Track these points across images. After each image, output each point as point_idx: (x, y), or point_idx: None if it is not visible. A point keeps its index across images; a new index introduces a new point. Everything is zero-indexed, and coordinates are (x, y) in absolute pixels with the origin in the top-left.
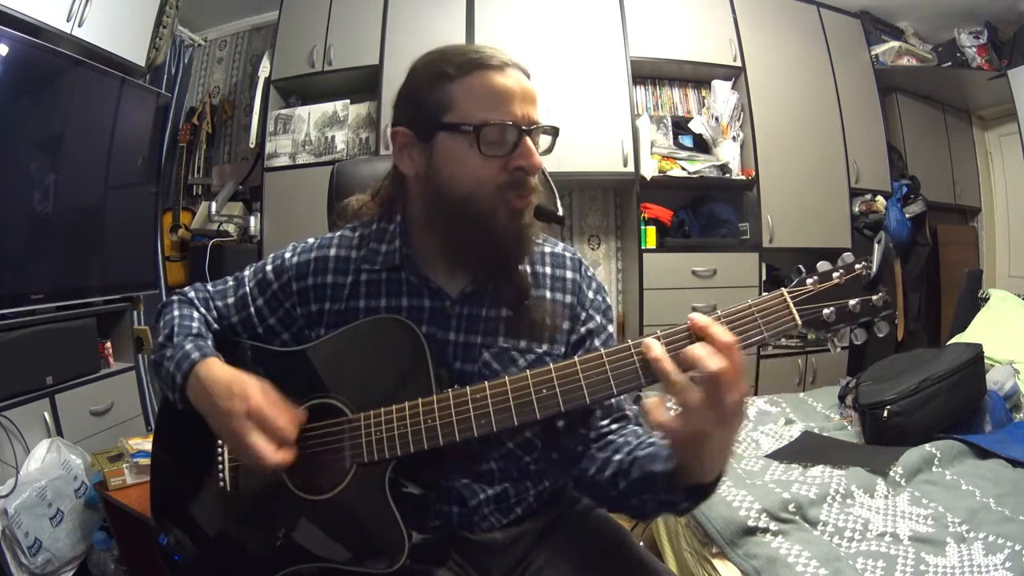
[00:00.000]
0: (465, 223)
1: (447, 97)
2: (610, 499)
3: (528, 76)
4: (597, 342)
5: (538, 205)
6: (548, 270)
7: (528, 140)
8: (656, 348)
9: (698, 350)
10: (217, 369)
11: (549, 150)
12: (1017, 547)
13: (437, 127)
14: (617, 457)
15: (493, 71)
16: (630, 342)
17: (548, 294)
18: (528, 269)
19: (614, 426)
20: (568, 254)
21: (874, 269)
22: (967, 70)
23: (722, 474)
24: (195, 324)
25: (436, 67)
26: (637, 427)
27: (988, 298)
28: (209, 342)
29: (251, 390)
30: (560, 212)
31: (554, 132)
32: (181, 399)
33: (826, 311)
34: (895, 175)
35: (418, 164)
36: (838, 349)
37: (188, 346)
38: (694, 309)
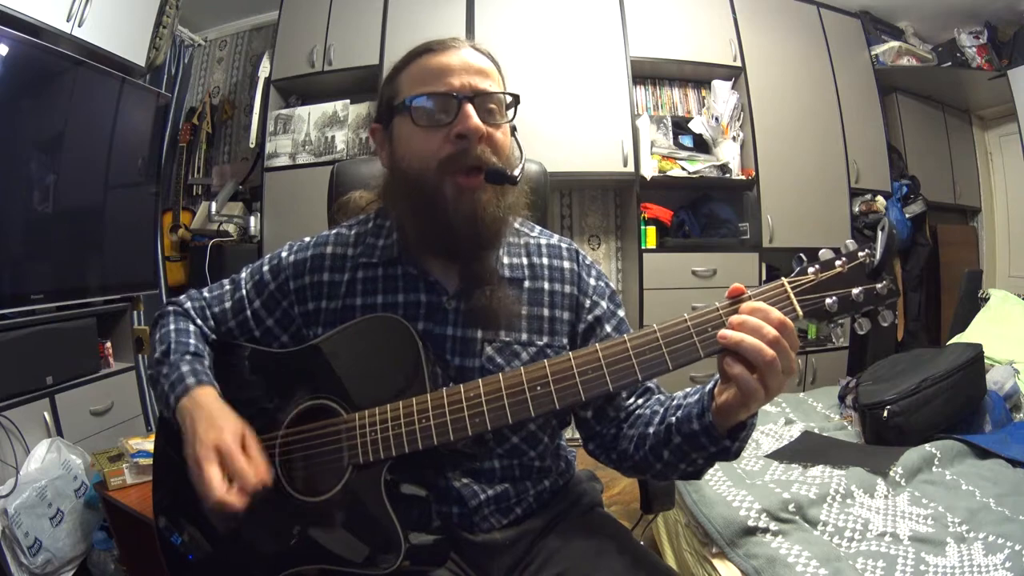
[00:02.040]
0: (419, 204)
1: (397, 85)
2: (657, 471)
3: (487, 55)
4: (608, 328)
5: (488, 168)
6: (546, 261)
7: (468, 107)
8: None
9: (753, 319)
10: (208, 399)
11: (512, 118)
12: (1017, 547)
13: (391, 114)
14: (651, 430)
15: (435, 53)
16: (626, 336)
17: (547, 285)
18: (520, 260)
19: (640, 400)
20: (564, 244)
21: (878, 256)
22: (967, 70)
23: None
24: (191, 340)
25: (395, 65)
26: (660, 395)
27: (988, 298)
28: (206, 361)
29: (228, 427)
30: (515, 173)
31: (514, 100)
32: (173, 418)
33: (828, 301)
34: (895, 175)
35: (387, 153)
36: (840, 338)
37: (184, 368)
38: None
